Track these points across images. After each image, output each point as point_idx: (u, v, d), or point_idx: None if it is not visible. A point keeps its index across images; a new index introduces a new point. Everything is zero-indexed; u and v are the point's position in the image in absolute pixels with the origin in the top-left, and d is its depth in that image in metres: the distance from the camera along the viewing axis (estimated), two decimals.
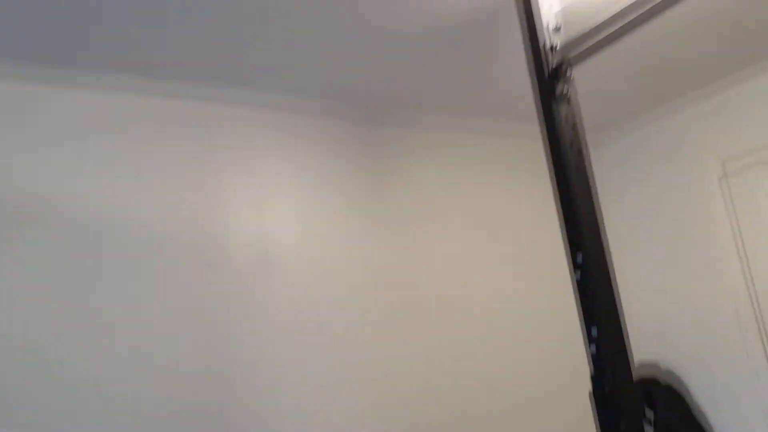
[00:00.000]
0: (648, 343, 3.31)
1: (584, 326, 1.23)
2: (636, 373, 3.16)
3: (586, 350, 1.24)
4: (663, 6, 1.32)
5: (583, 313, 1.21)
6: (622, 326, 1.17)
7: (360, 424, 2.46)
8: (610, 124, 3.39)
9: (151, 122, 2.32)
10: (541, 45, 1.46)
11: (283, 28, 2.04)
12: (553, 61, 1.45)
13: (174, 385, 2.13)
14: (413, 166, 2.91)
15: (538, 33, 1.51)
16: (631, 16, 1.33)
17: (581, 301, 1.23)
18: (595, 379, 1.20)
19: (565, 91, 1.43)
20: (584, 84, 1.52)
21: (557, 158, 1.32)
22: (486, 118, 3.10)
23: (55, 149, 2.12)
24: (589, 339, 1.21)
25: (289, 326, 2.41)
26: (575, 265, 1.24)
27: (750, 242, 2.89)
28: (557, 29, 1.43)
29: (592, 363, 1.21)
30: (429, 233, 2.87)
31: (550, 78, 1.46)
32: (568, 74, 1.40)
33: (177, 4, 1.82)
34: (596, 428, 1.16)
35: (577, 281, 1.25)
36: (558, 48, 1.41)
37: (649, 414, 3.08)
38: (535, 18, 1.53)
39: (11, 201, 2.03)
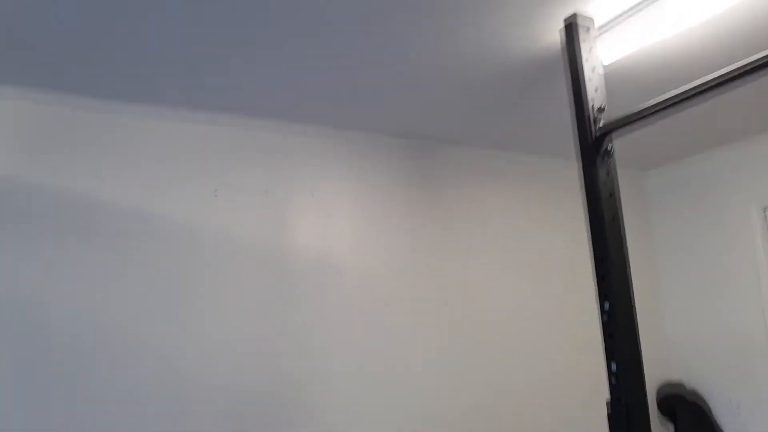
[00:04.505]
0: (679, 363, 3.52)
1: (607, 361, 1.49)
2: (663, 391, 3.36)
3: (608, 380, 1.50)
4: (700, 93, 1.55)
5: (606, 351, 1.47)
6: (641, 366, 1.42)
7: (405, 424, 2.78)
8: (672, 157, 3.60)
9: (229, 150, 2.64)
10: (585, 115, 1.70)
11: (360, 71, 2.30)
12: (596, 130, 1.69)
13: (245, 376, 2.48)
14: (461, 183, 3.19)
15: (584, 102, 1.74)
16: (669, 102, 1.54)
17: (605, 341, 1.49)
18: (612, 404, 1.46)
19: (605, 158, 1.67)
20: None
21: (595, 224, 1.57)
22: (530, 154, 3.37)
23: (149, 174, 2.47)
24: (609, 372, 1.47)
25: (343, 328, 2.73)
26: (602, 311, 1.50)
27: None
28: (601, 109, 1.67)
29: (610, 391, 1.47)
30: (472, 247, 3.14)
31: (593, 144, 1.69)
32: (609, 146, 1.63)
33: (259, 50, 2.09)
34: None
35: (603, 323, 1.51)
36: (600, 125, 1.65)
37: (670, 428, 3.29)
38: (586, 84, 1.76)
39: (125, 220, 2.39)
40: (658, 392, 3.38)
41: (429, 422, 2.84)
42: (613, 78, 2.35)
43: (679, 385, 3.37)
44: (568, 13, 1.83)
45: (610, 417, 1.44)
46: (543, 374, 3.16)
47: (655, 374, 3.46)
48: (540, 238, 3.35)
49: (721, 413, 3.29)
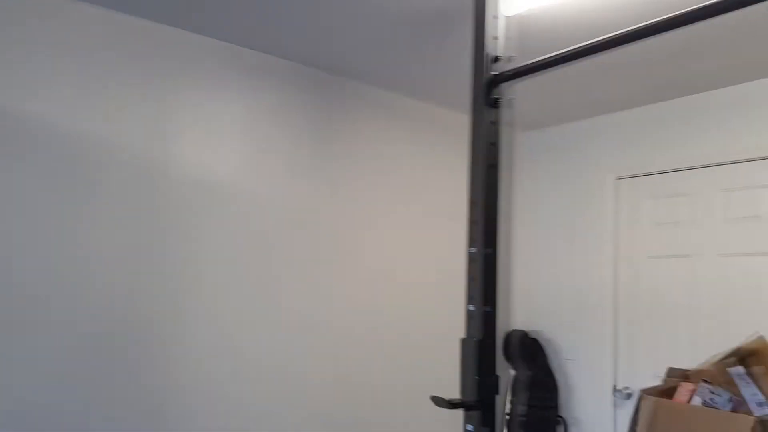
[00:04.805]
0: (526, 313, 3.80)
1: (466, 302, 1.55)
2: (508, 336, 3.64)
3: (466, 319, 1.57)
4: (592, 50, 1.60)
5: (466, 292, 1.53)
6: (495, 309, 1.49)
7: (287, 359, 2.78)
8: (545, 121, 3.75)
9: (105, 49, 2.40)
10: (480, 62, 1.71)
11: None
12: (487, 78, 1.70)
13: (102, 299, 2.34)
14: (360, 120, 3.15)
15: (481, 49, 1.75)
16: (565, 55, 1.58)
17: (467, 283, 1.55)
18: (464, 341, 1.53)
19: (493, 107, 1.69)
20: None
21: (473, 169, 1.60)
22: (432, 101, 3.38)
23: (24, 71, 2.19)
24: (467, 312, 1.53)
25: (224, 254, 2.65)
26: (469, 254, 1.55)
27: (624, 240, 3.38)
28: (496, 59, 1.68)
29: (465, 330, 1.54)
30: (367, 185, 3.15)
31: (482, 91, 1.71)
32: (498, 96, 1.66)
33: None
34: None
35: (468, 265, 1.57)
36: (498, 64, 1.66)
37: (519, 364, 3.58)
38: (486, 32, 1.76)
39: None
40: (506, 338, 3.65)
41: (305, 365, 2.86)
42: (529, 30, 2.39)
43: (524, 333, 3.65)
44: None
45: (464, 349, 1.52)
46: (415, 312, 3.28)
47: (503, 320, 3.73)
48: (431, 185, 3.42)
49: (560, 361, 3.62)
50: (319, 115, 3.00)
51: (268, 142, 2.82)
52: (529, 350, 3.59)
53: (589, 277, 3.53)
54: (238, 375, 2.65)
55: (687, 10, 1.22)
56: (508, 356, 3.61)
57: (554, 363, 3.62)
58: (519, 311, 3.84)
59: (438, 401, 1.38)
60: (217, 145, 2.66)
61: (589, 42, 1.45)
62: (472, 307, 1.51)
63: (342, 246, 3.04)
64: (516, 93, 3.15)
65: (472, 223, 1.57)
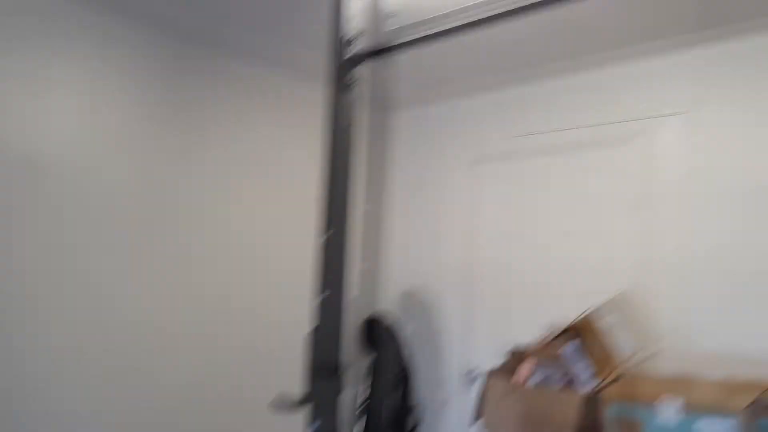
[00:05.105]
0: (388, 297, 3.84)
1: (317, 288, 1.50)
2: (366, 321, 3.65)
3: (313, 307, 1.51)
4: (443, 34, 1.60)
5: (316, 279, 1.48)
6: (341, 296, 1.45)
7: (122, 362, 2.55)
8: (412, 101, 3.78)
9: None
10: (337, 42, 1.65)
11: None
12: (343, 59, 1.65)
13: None
14: (212, 93, 2.95)
15: (338, 28, 1.69)
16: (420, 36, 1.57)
17: (316, 269, 1.49)
18: (311, 331, 1.48)
19: (348, 88, 1.65)
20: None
21: (327, 153, 1.54)
22: (288, 69, 3.26)
23: None
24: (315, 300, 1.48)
25: (53, 240, 2.36)
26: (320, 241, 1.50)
27: (479, 220, 3.52)
28: (351, 40, 1.63)
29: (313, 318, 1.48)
30: (217, 161, 2.96)
31: (338, 72, 1.66)
32: (353, 78, 1.61)
33: None
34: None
35: (321, 250, 1.51)
36: (348, 55, 1.61)
37: (366, 350, 3.61)
38: (341, 14, 1.71)
39: None
40: (362, 324, 3.66)
41: (143, 367, 2.64)
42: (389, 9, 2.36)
43: (379, 317, 3.69)
44: None
45: (309, 340, 1.46)
46: (258, 299, 3.16)
47: (363, 305, 3.74)
48: (290, 164, 3.29)
49: (412, 346, 3.70)
50: (171, 86, 2.77)
51: (111, 114, 2.55)
52: (383, 335, 3.63)
53: (444, 259, 3.63)
54: (63, 377, 2.39)
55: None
56: (363, 342, 3.63)
57: (407, 347, 3.69)
58: (380, 295, 3.87)
59: (279, 405, 1.31)
60: (49, 117, 2.36)
61: (442, 27, 1.45)
62: (320, 295, 1.46)
63: (184, 233, 2.83)
64: (379, 72, 3.14)
65: (323, 207, 1.51)
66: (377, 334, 3.59)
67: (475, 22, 1.36)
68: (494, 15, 1.33)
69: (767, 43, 2.63)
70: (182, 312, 2.79)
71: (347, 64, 1.68)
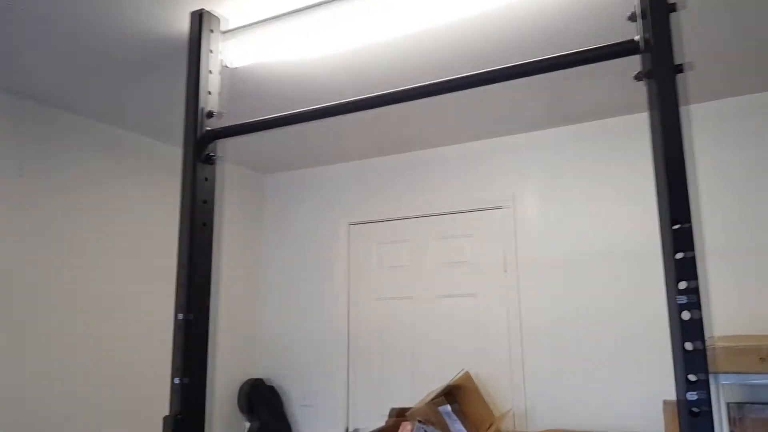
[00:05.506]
0: (268, 362, 3.75)
1: (171, 374, 1.43)
2: (244, 388, 3.52)
3: (171, 392, 1.44)
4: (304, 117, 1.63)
5: (172, 363, 1.42)
6: (204, 378, 1.40)
7: None
8: (287, 166, 3.79)
9: None
10: (194, 116, 1.63)
11: None
12: (201, 133, 1.63)
13: None
14: (80, 156, 2.81)
15: (196, 102, 1.67)
16: (270, 122, 1.57)
17: (173, 352, 1.43)
18: (169, 417, 1.41)
19: (206, 163, 1.63)
20: None
21: (184, 229, 1.51)
22: (158, 140, 3.19)
23: None
24: (172, 384, 1.42)
25: None
26: (176, 320, 1.45)
27: (355, 284, 3.55)
28: (211, 114, 1.63)
29: (170, 404, 1.42)
30: (81, 233, 2.79)
31: (195, 147, 1.63)
32: (212, 152, 1.60)
33: None
34: None
35: (174, 333, 1.46)
36: (206, 129, 1.60)
37: (251, 419, 3.48)
38: (200, 87, 1.69)
39: None
40: (241, 389, 3.54)
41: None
42: (253, 83, 2.36)
43: (260, 381, 3.59)
44: (198, 6, 1.75)
45: (167, 418, 1.40)
46: (115, 378, 2.98)
47: (240, 372, 3.62)
48: (151, 230, 3.18)
49: (295, 408, 3.61)
50: (21, 147, 2.61)
51: None
52: (265, 398, 3.53)
53: (324, 320, 3.61)
54: None
55: (381, 93, 1.31)
56: (243, 408, 3.50)
57: (290, 410, 3.61)
58: (259, 358, 3.77)
59: None
60: None
61: (297, 111, 1.47)
62: (176, 380, 1.41)
63: (40, 303, 2.66)
64: (255, 137, 3.13)
65: (179, 286, 1.47)
66: (258, 399, 3.48)
67: (315, 110, 1.40)
68: (337, 105, 1.38)
69: (612, 125, 2.94)
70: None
71: (204, 139, 1.64)
